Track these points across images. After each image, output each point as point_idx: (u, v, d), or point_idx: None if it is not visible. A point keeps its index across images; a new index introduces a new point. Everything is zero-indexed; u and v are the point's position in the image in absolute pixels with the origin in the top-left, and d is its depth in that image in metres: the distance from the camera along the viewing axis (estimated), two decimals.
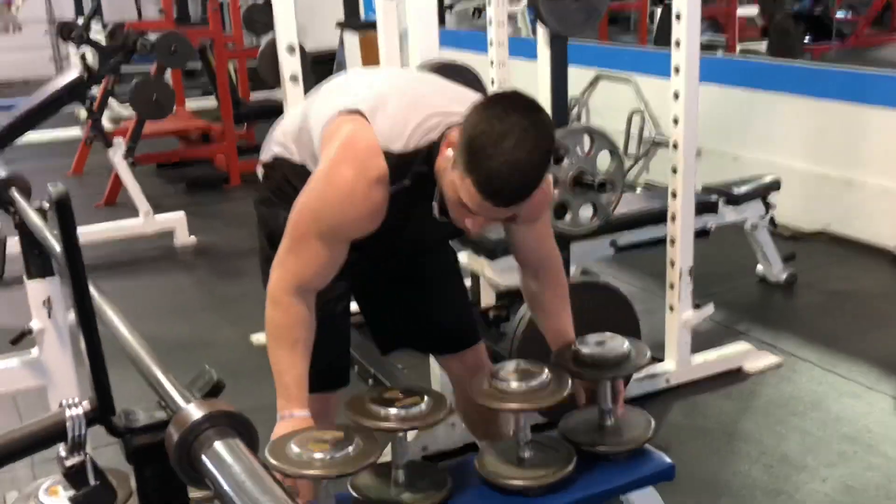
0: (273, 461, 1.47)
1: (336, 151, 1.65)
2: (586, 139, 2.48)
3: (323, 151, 1.69)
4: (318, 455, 1.47)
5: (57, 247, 1.62)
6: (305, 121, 1.80)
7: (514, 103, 1.50)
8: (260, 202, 1.94)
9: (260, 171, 1.95)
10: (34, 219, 1.76)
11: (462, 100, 1.63)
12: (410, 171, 1.64)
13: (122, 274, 4.43)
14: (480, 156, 1.48)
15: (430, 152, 1.64)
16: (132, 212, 4.85)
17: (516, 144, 1.47)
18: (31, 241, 1.85)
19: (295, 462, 1.47)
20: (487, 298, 3.30)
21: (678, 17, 2.51)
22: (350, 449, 1.50)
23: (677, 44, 2.56)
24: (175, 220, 4.83)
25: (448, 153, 1.57)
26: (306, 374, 1.67)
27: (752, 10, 7.31)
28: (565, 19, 2.25)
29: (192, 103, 7.31)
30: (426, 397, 1.68)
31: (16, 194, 1.90)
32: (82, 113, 5.60)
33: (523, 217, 1.70)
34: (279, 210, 1.78)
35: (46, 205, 1.87)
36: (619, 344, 1.84)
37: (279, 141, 1.88)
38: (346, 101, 1.70)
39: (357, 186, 1.61)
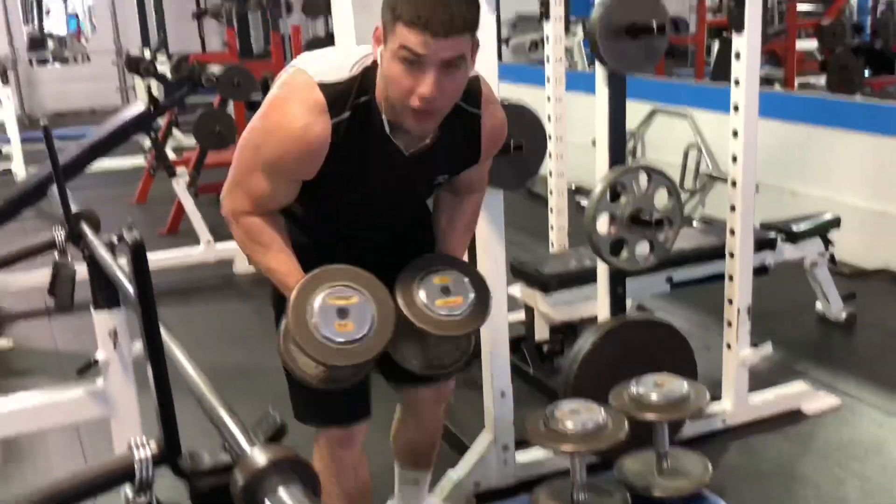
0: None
1: (273, 91, 1.70)
2: (643, 177, 2.48)
3: None
4: None
5: (125, 280, 1.68)
6: None
7: None
8: None
9: None
10: (103, 253, 1.82)
11: None
12: (350, 100, 1.62)
13: (182, 301, 4.52)
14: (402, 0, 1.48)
15: (365, 78, 1.63)
16: (193, 240, 4.95)
17: None
18: (99, 274, 1.91)
19: None
20: (541, 332, 3.30)
21: (738, 55, 2.51)
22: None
23: (737, 82, 2.55)
24: (234, 249, 4.90)
25: (378, 50, 1.57)
26: (291, 260, 1.72)
27: (811, 44, 7.24)
28: (624, 59, 2.26)
29: None
30: None
31: (86, 228, 1.96)
32: (146, 143, 5.74)
33: (484, 149, 1.76)
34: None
35: (115, 239, 1.94)
36: (677, 386, 1.83)
37: None
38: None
39: (295, 116, 1.61)
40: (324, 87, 1.62)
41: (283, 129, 1.63)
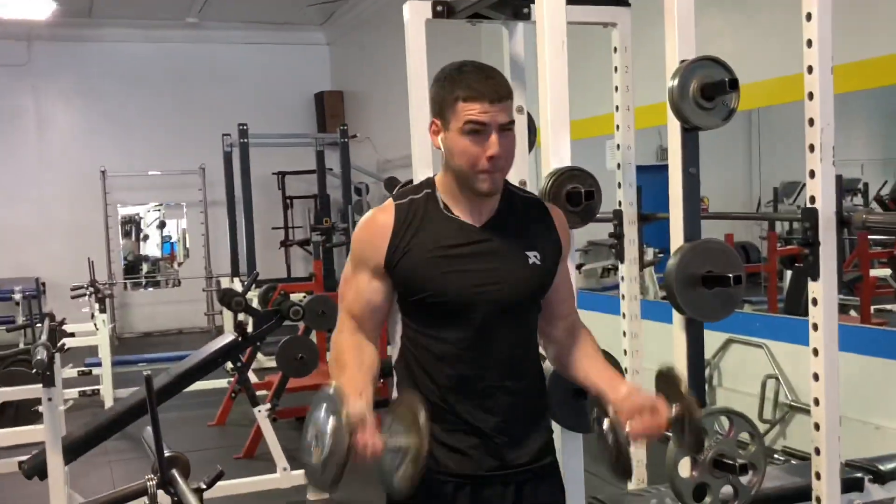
0: None
1: None
2: (725, 420, 2.49)
3: None
4: None
5: None
6: None
7: None
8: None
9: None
10: (192, 503, 1.89)
11: None
12: (412, 192, 1.93)
13: None
14: (452, 79, 1.81)
15: (427, 181, 1.95)
16: (269, 463, 5.00)
17: (472, 62, 1.84)
18: None
19: None
20: None
21: (815, 302, 2.55)
22: None
23: (815, 327, 2.58)
24: None
25: (437, 139, 1.86)
26: (354, 379, 1.83)
27: (884, 272, 7.25)
28: (701, 308, 2.34)
29: None
30: None
31: (176, 475, 2.05)
32: (229, 365, 5.93)
33: (562, 236, 1.97)
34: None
35: (203, 485, 2.02)
36: None
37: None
38: None
39: (368, 216, 1.93)
40: (395, 197, 1.95)
41: (359, 224, 1.94)
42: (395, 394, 2.01)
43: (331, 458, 1.63)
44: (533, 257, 1.92)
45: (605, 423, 1.89)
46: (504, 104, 1.80)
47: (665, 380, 1.87)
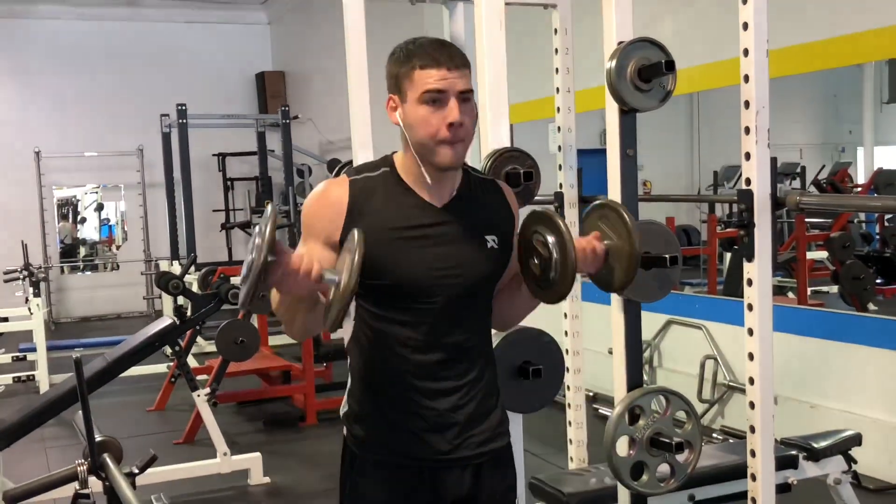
0: None
1: None
2: (662, 400, 2.51)
3: None
4: None
5: None
6: None
7: None
8: None
9: None
10: (124, 488, 1.85)
11: None
12: (369, 169, 1.88)
13: None
14: (407, 51, 1.78)
15: (385, 159, 1.89)
16: (209, 448, 4.94)
17: (426, 37, 1.83)
18: None
19: None
20: None
21: (749, 282, 2.58)
22: None
23: (750, 307, 2.61)
24: (250, 461, 4.89)
25: (396, 115, 1.81)
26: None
27: (821, 254, 7.41)
28: (639, 289, 2.35)
29: (276, 340, 7.57)
30: None
31: (108, 460, 2.00)
32: (168, 349, 5.84)
33: (515, 214, 1.97)
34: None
35: (136, 469, 1.98)
36: None
37: None
38: None
39: (320, 188, 1.87)
40: (348, 172, 1.89)
41: (310, 196, 1.87)
42: (348, 380, 1.98)
43: (251, 271, 1.59)
44: (491, 241, 1.90)
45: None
46: (462, 72, 1.78)
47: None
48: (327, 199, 1.83)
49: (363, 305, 1.88)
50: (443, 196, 1.86)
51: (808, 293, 6.68)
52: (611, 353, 2.59)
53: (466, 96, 1.78)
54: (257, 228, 1.62)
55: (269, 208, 1.66)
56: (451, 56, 1.77)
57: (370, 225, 1.77)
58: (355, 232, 1.66)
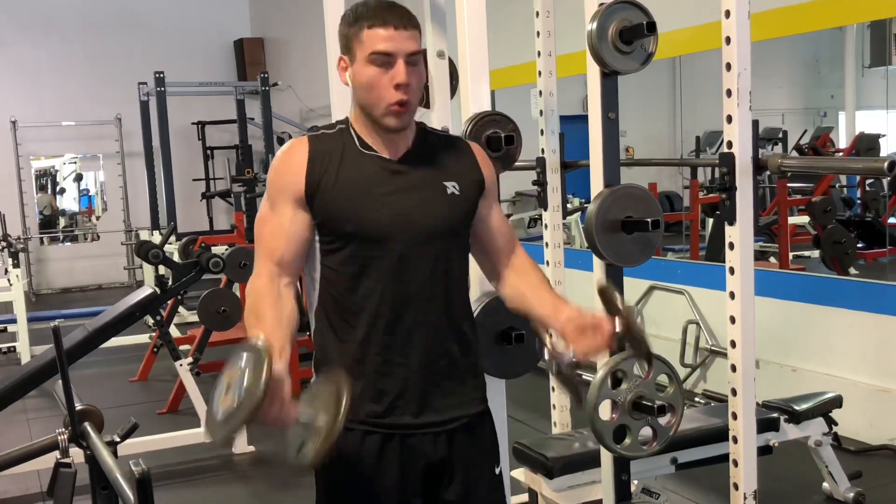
0: None
1: None
2: (644, 364, 2.51)
3: None
4: None
5: (124, 485, 1.69)
6: None
7: None
8: None
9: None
10: (105, 456, 1.84)
11: None
12: (326, 128, 1.91)
13: (179, 484, 4.45)
14: (357, 13, 1.79)
15: (341, 121, 1.91)
16: (193, 418, 4.93)
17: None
18: (100, 476, 1.91)
19: None
20: None
21: (731, 246, 2.58)
22: None
23: (731, 271, 2.62)
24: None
25: (346, 75, 1.82)
26: (277, 337, 1.72)
27: (803, 219, 7.44)
28: (620, 252, 2.35)
29: None
30: None
31: (88, 429, 1.99)
32: (150, 320, 5.81)
33: (486, 174, 1.94)
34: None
35: (117, 438, 1.96)
36: None
37: None
38: None
39: (283, 149, 1.90)
40: (308, 132, 1.94)
41: (274, 159, 1.90)
42: (315, 341, 1.95)
43: (238, 412, 1.53)
44: (451, 187, 1.89)
45: (546, 354, 1.88)
46: (410, 32, 1.79)
47: (602, 296, 1.85)
48: (290, 156, 1.86)
49: (326, 265, 1.87)
50: (398, 149, 1.88)
51: (790, 257, 6.72)
52: None
53: (415, 59, 1.80)
54: (242, 363, 1.59)
55: (259, 345, 1.62)
56: (400, 16, 1.78)
57: (331, 178, 1.82)
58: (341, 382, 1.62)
